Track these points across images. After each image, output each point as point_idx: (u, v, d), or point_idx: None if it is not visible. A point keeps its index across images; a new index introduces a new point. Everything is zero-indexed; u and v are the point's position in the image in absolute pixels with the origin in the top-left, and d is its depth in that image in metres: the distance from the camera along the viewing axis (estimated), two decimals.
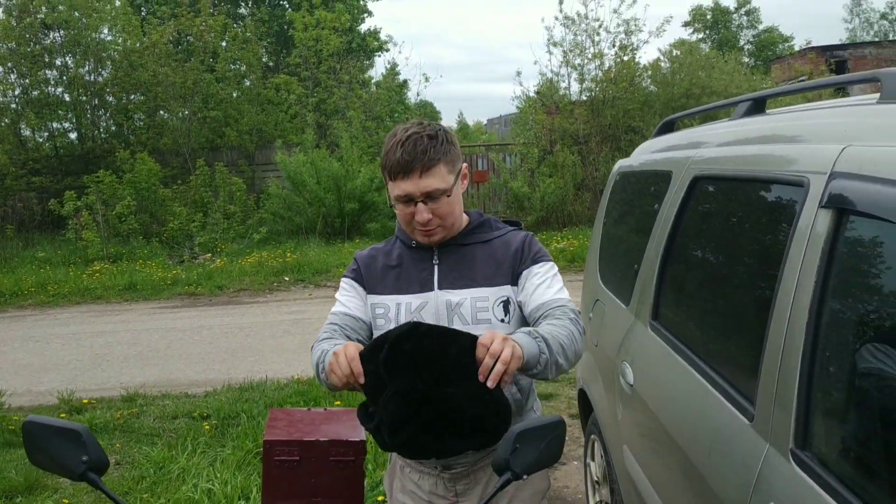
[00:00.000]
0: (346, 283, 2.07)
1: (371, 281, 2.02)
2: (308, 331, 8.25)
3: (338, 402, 4.93)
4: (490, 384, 1.48)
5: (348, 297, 2.04)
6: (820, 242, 1.55)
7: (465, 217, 2.02)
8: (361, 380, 1.61)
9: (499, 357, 1.50)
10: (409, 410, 1.53)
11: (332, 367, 1.67)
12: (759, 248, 1.91)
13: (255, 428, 4.82)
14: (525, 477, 1.36)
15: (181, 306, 10.21)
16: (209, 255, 13.39)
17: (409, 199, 1.85)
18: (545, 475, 2.11)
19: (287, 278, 11.48)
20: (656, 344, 2.40)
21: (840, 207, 1.52)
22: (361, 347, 1.67)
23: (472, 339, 1.52)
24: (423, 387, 1.50)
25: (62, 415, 5.49)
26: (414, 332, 1.53)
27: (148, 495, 4.04)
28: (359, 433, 2.25)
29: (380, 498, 3.77)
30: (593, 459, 3.39)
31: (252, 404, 5.43)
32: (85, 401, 5.84)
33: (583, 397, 3.51)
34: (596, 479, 3.33)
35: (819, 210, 1.59)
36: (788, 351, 1.57)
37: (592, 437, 3.33)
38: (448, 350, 1.50)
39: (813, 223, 1.59)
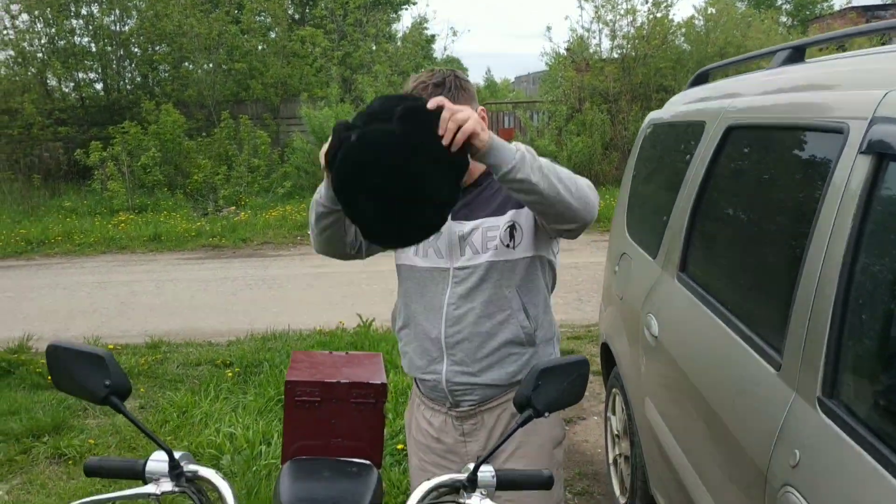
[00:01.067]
0: None
1: None
2: (331, 284, 8.29)
3: None
4: (446, 139, 1.51)
5: None
6: (857, 190, 1.51)
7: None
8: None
9: (456, 116, 1.52)
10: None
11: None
12: (793, 197, 1.86)
13: (277, 376, 4.87)
14: (547, 414, 1.35)
15: (205, 258, 10.28)
16: (233, 207, 13.43)
17: None
18: (560, 423, 2.10)
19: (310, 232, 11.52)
20: (683, 295, 2.37)
21: (881, 153, 1.47)
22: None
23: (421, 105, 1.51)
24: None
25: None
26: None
27: (171, 438, 4.11)
28: (380, 376, 2.26)
29: (399, 446, 3.80)
30: (614, 413, 3.39)
31: (274, 353, 5.48)
32: (110, 346, 5.93)
33: (605, 352, 3.49)
34: (616, 432, 3.33)
35: (858, 156, 1.54)
36: (820, 299, 1.53)
37: (614, 390, 3.33)
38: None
39: (851, 170, 1.55)
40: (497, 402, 1.98)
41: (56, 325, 6.91)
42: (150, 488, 1.33)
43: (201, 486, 1.41)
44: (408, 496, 1.46)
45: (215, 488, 1.39)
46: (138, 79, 17.97)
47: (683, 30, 15.97)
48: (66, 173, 15.91)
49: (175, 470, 1.33)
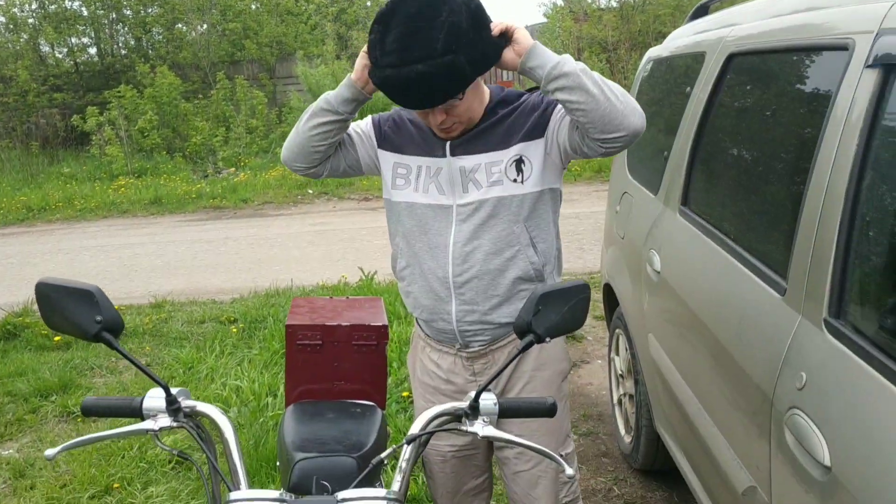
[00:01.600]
0: (366, 122, 2.06)
1: (395, 138, 1.98)
2: (332, 241, 8.28)
3: None
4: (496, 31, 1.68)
5: (358, 125, 2.05)
6: (864, 105, 1.46)
7: (485, 94, 1.91)
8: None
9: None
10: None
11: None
12: (797, 120, 1.81)
13: (281, 330, 4.87)
14: (548, 339, 1.32)
15: (206, 219, 10.25)
16: (233, 169, 13.36)
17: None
18: (565, 356, 2.08)
19: (311, 191, 11.45)
20: (685, 229, 2.34)
21: (889, 64, 1.42)
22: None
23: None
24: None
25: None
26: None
27: None
28: (381, 318, 2.25)
29: (405, 394, 3.82)
30: (618, 354, 3.38)
31: (278, 308, 5.48)
32: (116, 307, 5.93)
33: (607, 293, 3.47)
34: (620, 372, 3.32)
35: (864, 71, 1.49)
36: (825, 220, 1.50)
37: (617, 331, 3.32)
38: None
39: (857, 85, 1.50)
40: (507, 341, 1.95)
41: None
42: (148, 424, 1.31)
43: (199, 422, 1.39)
44: None
45: (214, 423, 1.38)
46: (132, 42, 17.75)
47: None
48: (63, 139, 15.81)
49: (172, 405, 1.32)
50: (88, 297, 1.27)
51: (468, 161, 1.86)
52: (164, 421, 1.31)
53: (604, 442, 3.50)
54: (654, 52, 3.34)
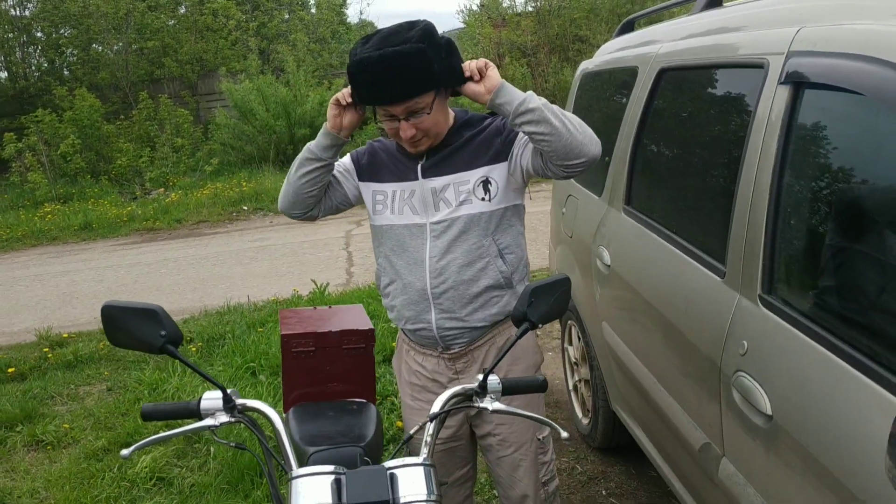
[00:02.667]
0: (346, 159, 2.24)
1: (372, 169, 2.17)
2: (275, 256, 8.37)
3: None
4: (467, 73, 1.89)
5: (340, 164, 2.22)
6: (779, 114, 1.76)
7: (450, 117, 2.08)
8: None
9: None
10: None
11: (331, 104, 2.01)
12: (724, 128, 2.11)
13: (241, 346, 4.99)
14: (540, 325, 1.57)
15: (141, 242, 10.16)
16: (162, 189, 13.22)
17: (391, 116, 1.93)
18: (537, 349, 2.31)
19: (246, 207, 11.47)
20: (631, 226, 2.63)
21: (797, 82, 1.72)
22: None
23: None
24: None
25: (45, 349, 5.58)
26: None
27: None
28: (366, 323, 2.46)
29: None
30: (570, 344, 3.67)
31: (234, 325, 5.58)
32: (65, 335, 5.93)
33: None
34: (574, 360, 3.61)
35: (778, 87, 1.79)
36: (755, 213, 1.79)
37: (570, 322, 3.60)
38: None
39: (773, 98, 1.80)
40: (484, 340, 2.13)
41: (0, 321, 6.82)
42: (208, 422, 1.50)
43: (251, 417, 1.59)
44: (402, 433, 1.67)
45: (264, 415, 1.58)
46: (45, 65, 17.31)
47: None
48: None
49: (228, 403, 1.51)
50: (152, 315, 1.44)
51: (438, 182, 2.03)
52: (223, 417, 1.50)
53: (562, 426, 3.77)
54: (588, 64, 3.64)
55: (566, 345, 3.75)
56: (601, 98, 3.32)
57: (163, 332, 1.44)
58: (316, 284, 6.07)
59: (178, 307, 6.73)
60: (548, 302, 1.55)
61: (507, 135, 2.05)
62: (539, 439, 2.27)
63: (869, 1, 1.64)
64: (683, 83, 2.44)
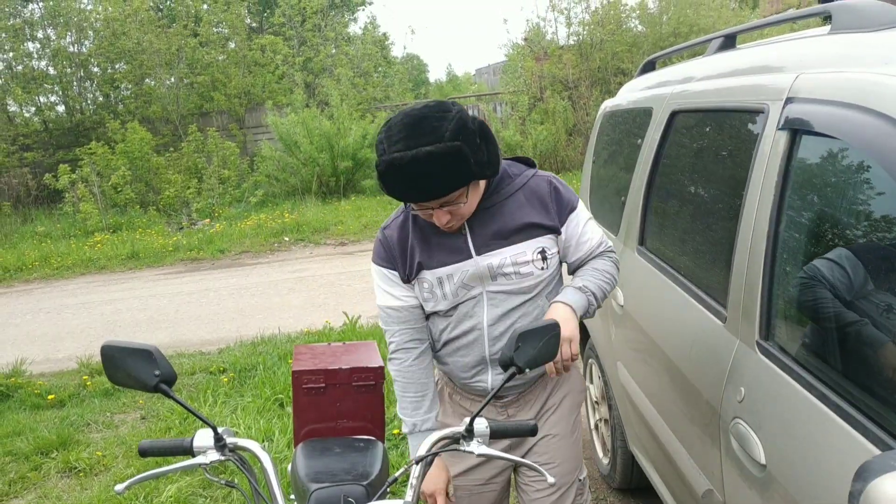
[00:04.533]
0: (382, 273, 2.04)
1: (408, 259, 2.00)
2: (312, 287, 8.48)
3: None
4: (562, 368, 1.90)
5: (395, 289, 2.03)
6: (777, 161, 1.76)
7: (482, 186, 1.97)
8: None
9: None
10: None
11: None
12: (728, 172, 2.11)
13: (271, 377, 5.07)
14: (527, 371, 1.58)
15: (185, 271, 10.41)
16: (207, 220, 13.54)
17: (424, 206, 1.84)
18: (582, 386, 2.24)
19: (287, 238, 11.67)
20: (643, 267, 2.63)
21: (794, 129, 1.73)
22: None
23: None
24: None
25: (84, 377, 5.74)
26: None
27: None
28: (377, 360, 2.50)
29: (395, 431, 4.03)
30: (591, 382, 3.65)
31: (266, 356, 5.67)
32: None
33: (580, 326, 3.75)
34: (595, 399, 3.59)
35: (777, 133, 1.79)
36: (753, 257, 1.79)
37: (590, 360, 3.59)
38: None
39: (772, 144, 1.80)
40: (533, 387, 2.12)
41: (46, 348, 7.03)
42: (199, 459, 1.55)
43: (242, 456, 1.63)
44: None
45: (255, 455, 1.62)
46: (100, 98, 17.96)
47: (637, 12, 16.32)
48: (35, 198, 15.90)
49: (219, 442, 1.55)
50: (147, 356, 1.50)
51: (494, 258, 1.94)
52: (213, 455, 1.54)
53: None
54: (610, 103, 3.67)
55: (588, 383, 3.73)
56: (620, 137, 3.33)
57: (157, 372, 1.50)
58: (347, 317, 6.14)
59: (215, 337, 6.87)
60: (535, 346, 1.56)
61: (557, 211, 1.99)
62: (580, 480, 2.22)
63: (863, 49, 1.64)
64: (693, 126, 2.45)
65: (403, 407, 2.06)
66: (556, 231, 1.99)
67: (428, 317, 2.06)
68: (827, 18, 1.88)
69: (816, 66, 1.75)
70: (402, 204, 2.03)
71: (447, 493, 2.00)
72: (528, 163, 2.09)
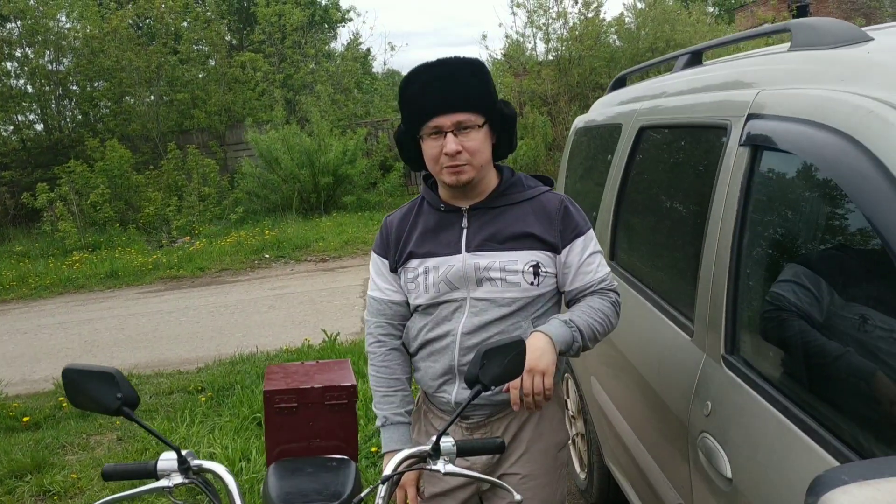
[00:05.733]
0: (375, 261, 2.09)
1: (400, 246, 2.02)
2: (292, 304, 8.45)
3: None
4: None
5: (382, 280, 2.07)
6: (739, 177, 1.79)
7: (493, 174, 1.99)
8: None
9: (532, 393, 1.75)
10: None
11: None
12: (694, 188, 2.14)
13: (249, 396, 5.03)
14: (493, 388, 1.58)
15: (164, 290, 10.33)
16: (187, 237, 13.47)
17: (438, 132, 1.84)
18: (562, 427, 2.11)
19: (267, 255, 11.63)
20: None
21: (755, 145, 1.75)
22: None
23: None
24: None
25: (60, 398, 5.67)
26: None
27: None
28: (350, 379, 2.49)
29: (373, 449, 4.01)
30: (568, 396, 3.65)
31: (244, 375, 5.64)
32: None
33: None
34: (572, 414, 3.59)
35: (738, 149, 1.82)
36: (718, 272, 1.81)
37: (566, 375, 3.59)
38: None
39: (734, 160, 1.83)
40: (504, 413, 2.00)
41: (22, 369, 6.95)
42: (163, 482, 1.53)
43: (207, 479, 1.62)
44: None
45: (219, 478, 1.61)
46: (79, 117, 17.88)
47: (615, 28, 16.50)
48: (13, 217, 15.77)
49: (183, 465, 1.54)
50: (109, 379, 1.49)
51: (483, 259, 1.91)
52: (177, 479, 1.53)
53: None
54: (581, 119, 3.70)
55: (565, 397, 3.73)
56: (591, 153, 3.36)
57: (119, 395, 1.49)
58: (326, 334, 6.11)
59: (194, 356, 6.82)
60: (501, 364, 1.56)
61: (561, 231, 1.94)
62: None
63: (821, 66, 1.67)
64: (660, 142, 2.48)
65: (377, 401, 2.07)
66: (555, 250, 1.92)
67: (412, 314, 2.06)
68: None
69: (777, 83, 1.78)
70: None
71: (417, 488, 1.98)
72: (548, 182, 2.06)
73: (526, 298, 1.92)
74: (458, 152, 1.83)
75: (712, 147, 2.00)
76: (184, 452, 1.55)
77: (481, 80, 1.85)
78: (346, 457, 2.37)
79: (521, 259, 1.90)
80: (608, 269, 2.00)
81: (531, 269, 1.90)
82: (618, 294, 1.98)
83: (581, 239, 1.94)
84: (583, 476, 3.46)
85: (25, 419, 5.26)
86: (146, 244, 13.31)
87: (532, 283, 1.90)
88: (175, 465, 1.54)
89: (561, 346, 1.78)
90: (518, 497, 1.56)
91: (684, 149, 2.27)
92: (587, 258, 1.94)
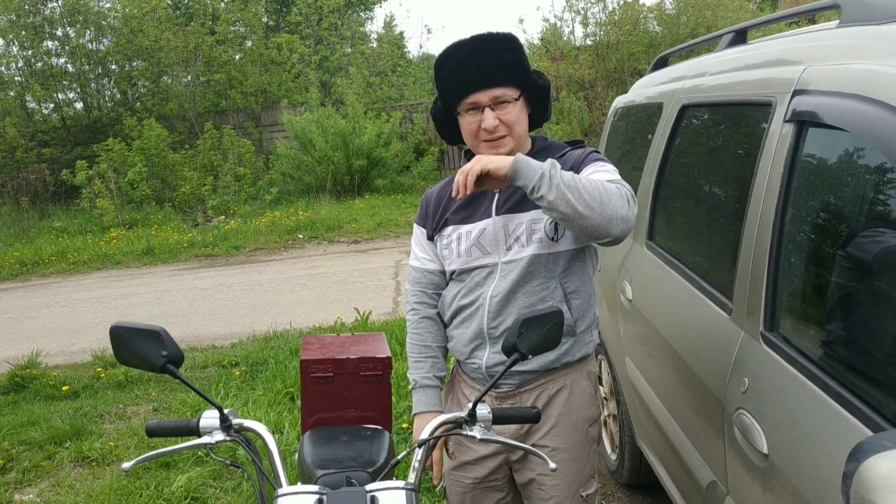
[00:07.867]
0: (415, 231, 2.16)
1: (438, 215, 2.07)
2: (325, 284, 8.52)
3: None
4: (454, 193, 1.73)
5: (420, 249, 2.13)
6: (784, 153, 1.76)
7: (528, 143, 2.01)
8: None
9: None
10: None
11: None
12: (735, 166, 2.12)
13: (283, 371, 5.10)
14: (530, 356, 1.59)
15: (199, 267, 10.48)
16: (223, 217, 13.63)
17: (475, 107, 1.87)
18: (594, 402, 2.11)
19: (301, 236, 11.73)
20: (651, 261, 2.63)
21: (801, 121, 1.73)
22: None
23: None
24: None
25: (98, 369, 5.80)
26: None
27: None
28: (385, 351, 2.52)
29: (404, 425, 4.05)
30: (600, 377, 3.65)
31: (278, 351, 5.71)
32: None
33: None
34: (604, 395, 3.59)
35: (784, 125, 1.80)
36: (759, 249, 1.79)
37: (599, 356, 3.59)
38: None
39: (779, 137, 1.80)
40: (535, 385, 2.02)
41: (61, 341, 7.11)
42: (205, 439, 1.57)
43: (247, 437, 1.65)
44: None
45: (260, 437, 1.64)
46: (118, 96, 18.13)
47: (654, 13, 16.26)
48: (53, 194, 16.07)
49: (225, 423, 1.58)
50: (155, 337, 1.53)
51: (512, 220, 1.93)
52: (219, 436, 1.57)
53: None
54: (621, 99, 3.67)
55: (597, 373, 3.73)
56: (632, 133, 3.34)
57: (164, 353, 1.52)
58: (359, 313, 6.16)
59: (228, 331, 6.92)
60: (539, 333, 1.57)
61: (578, 167, 1.91)
62: (582, 496, 2.09)
63: (871, 41, 1.64)
64: (702, 120, 2.45)
65: (410, 366, 2.14)
66: None
67: (448, 283, 2.10)
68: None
69: (824, 59, 1.75)
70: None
71: (446, 448, 2.03)
72: (580, 144, 2.09)
73: (547, 256, 1.91)
74: (497, 127, 1.87)
75: (756, 124, 1.97)
76: (226, 411, 1.59)
77: (515, 54, 1.87)
78: (379, 427, 2.40)
79: (545, 216, 1.89)
80: (623, 182, 1.85)
81: (553, 223, 1.90)
82: (629, 189, 1.82)
83: (597, 163, 1.90)
84: (614, 457, 3.46)
85: (65, 388, 5.39)
86: (182, 223, 13.48)
87: (553, 238, 1.91)
88: (217, 423, 1.58)
89: (522, 166, 1.68)
90: (553, 465, 1.57)
91: (727, 126, 2.24)
92: (600, 169, 1.87)
